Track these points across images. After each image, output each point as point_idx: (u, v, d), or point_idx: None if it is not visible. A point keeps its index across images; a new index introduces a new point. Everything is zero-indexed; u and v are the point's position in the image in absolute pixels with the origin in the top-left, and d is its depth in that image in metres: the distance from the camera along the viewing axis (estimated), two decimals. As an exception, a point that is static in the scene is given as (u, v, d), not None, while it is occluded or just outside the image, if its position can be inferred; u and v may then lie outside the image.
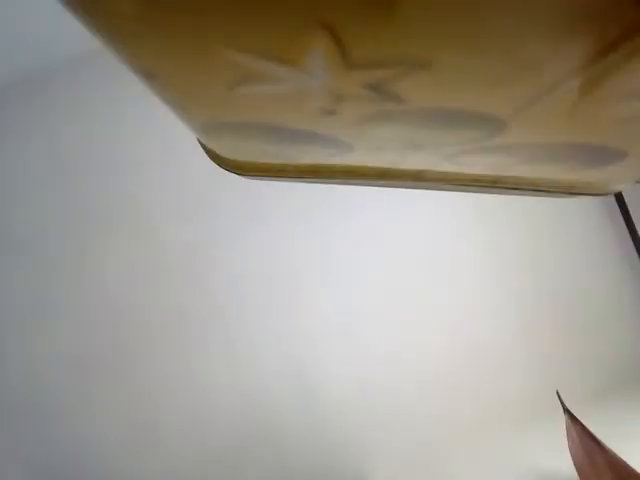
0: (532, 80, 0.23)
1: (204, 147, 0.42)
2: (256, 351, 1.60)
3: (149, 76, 0.26)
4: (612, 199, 1.59)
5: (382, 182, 0.42)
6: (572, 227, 1.62)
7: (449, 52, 0.21)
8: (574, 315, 1.58)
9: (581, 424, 0.83)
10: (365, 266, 1.62)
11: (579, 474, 0.81)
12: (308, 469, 1.54)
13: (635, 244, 1.57)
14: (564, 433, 0.89)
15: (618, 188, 0.50)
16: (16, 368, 1.63)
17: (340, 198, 1.59)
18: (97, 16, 0.21)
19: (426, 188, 0.45)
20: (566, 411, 0.88)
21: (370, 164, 0.40)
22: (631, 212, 1.57)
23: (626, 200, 1.57)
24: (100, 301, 1.63)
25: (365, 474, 1.52)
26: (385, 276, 1.62)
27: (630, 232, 1.58)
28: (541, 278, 1.60)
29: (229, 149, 0.41)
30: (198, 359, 1.61)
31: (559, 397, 0.92)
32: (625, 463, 0.72)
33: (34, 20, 1.44)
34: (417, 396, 1.55)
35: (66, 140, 1.68)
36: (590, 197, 0.48)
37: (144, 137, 1.64)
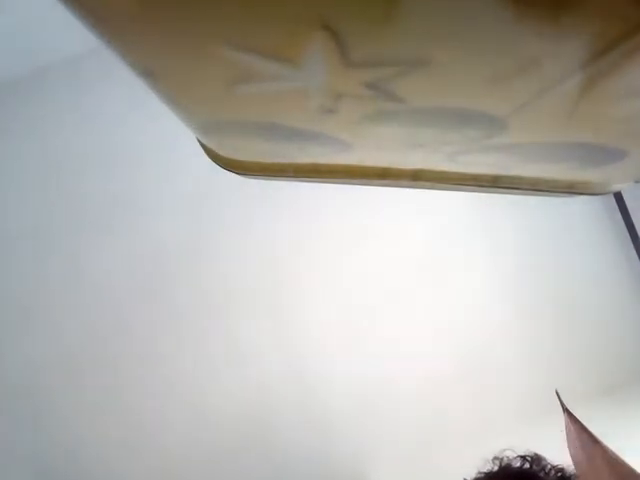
0: (532, 79, 0.23)
1: (203, 146, 0.42)
2: (256, 351, 1.60)
3: (148, 74, 0.26)
4: (612, 199, 1.59)
5: (382, 182, 0.42)
6: (572, 227, 1.62)
7: (448, 51, 0.21)
8: (574, 315, 1.58)
9: (580, 423, 0.83)
10: (366, 266, 1.62)
11: (578, 473, 0.81)
12: (309, 469, 1.54)
13: (635, 244, 1.57)
14: (563, 432, 0.89)
15: (618, 188, 0.50)
16: (16, 368, 1.63)
17: (341, 198, 1.59)
18: (96, 14, 0.21)
19: (426, 187, 0.45)
20: (565, 410, 0.88)
21: (370, 163, 0.40)
22: (631, 212, 1.57)
23: (626, 200, 1.57)
24: (99, 300, 1.63)
25: (365, 474, 1.52)
26: (385, 276, 1.62)
27: (630, 232, 1.58)
28: (541, 278, 1.60)
29: (228, 148, 0.41)
30: (197, 359, 1.61)
31: (558, 396, 0.92)
32: (624, 462, 0.72)
33: (34, 19, 1.44)
34: (417, 396, 1.56)
35: (64, 138, 1.68)
36: (590, 197, 0.48)
37: (142, 136, 1.64)
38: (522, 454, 0.67)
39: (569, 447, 0.86)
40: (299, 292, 1.62)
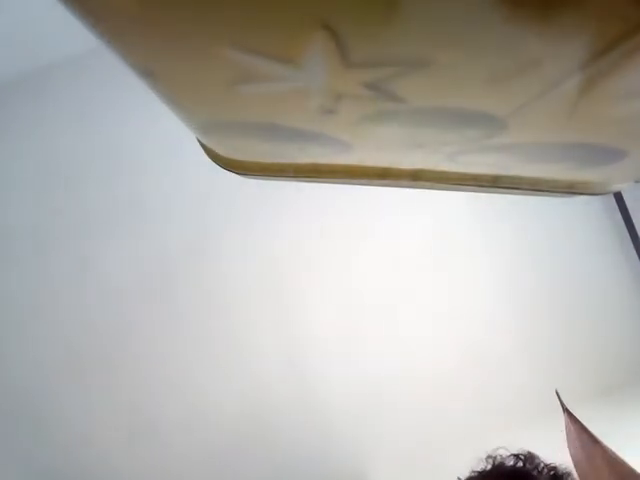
0: (531, 79, 0.23)
1: (203, 146, 0.42)
2: (256, 352, 1.60)
3: (148, 74, 0.26)
4: (612, 199, 1.59)
5: (382, 181, 0.42)
6: (572, 227, 1.62)
7: (448, 51, 0.21)
8: (574, 315, 1.58)
9: (580, 423, 0.83)
10: (365, 267, 1.62)
11: (578, 473, 0.81)
12: (309, 468, 1.54)
13: (635, 244, 1.57)
14: (563, 432, 0.89)
15: (618, 187, 0.50)
16: (16, 369, 1.62)
17: (341, 199, 1.59)
18: (96, 14, 0.21)
19: (426, 187, 0.45)
20: (565, 410, 0.88)
21: (370, 163, 0.40)
22: (631, 212, 1.57)
23: (626, 200, 1.57)
24: (100, 301, 1.63)
25: (365, 474, 1.52)
26: (385, 277, 1.61)
27: (630, 232, 1.58)
28: (541, 278, 1.60)
29: (229, 148, 0.41)
30: (197, 360, 1.61)
31: (558, 396, 0.91)
32: (624, 462, 0.72)
33: (34, 20, 1.44)
34: (416, 396, 1.55)
35: (66, 139, 1.68)
36: (590, 197, 0.48)
37: (143, 137, 1.64)
38: (515, 452, 0.67)
39: (569, 447, 0.86)
40: (300, 292, 1.62)
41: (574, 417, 0.85)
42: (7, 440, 1.62)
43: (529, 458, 0.65)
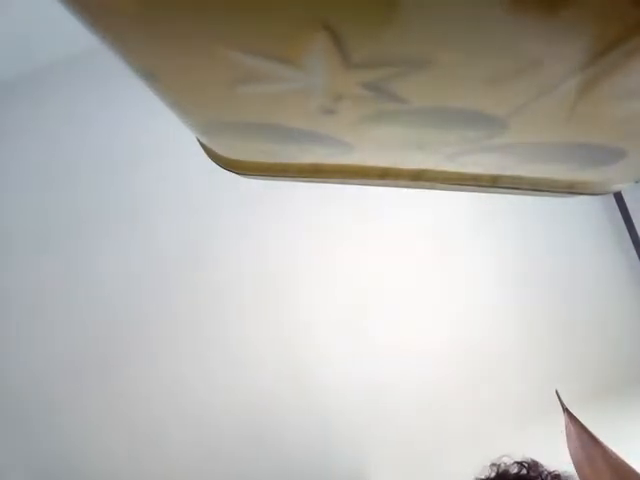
0: (532, 79, 0.23)
1: (204, 146, 0.42)
2: (255, 351, 1.60)
3: (149, 76, 0.26)
4: (612, 199, 1.59)
5: (382, 182, 0.42)
6: (572, 227, 1.62)
7: (449, 52, 0.21)
8: (574, 315, 1.58)
9: (580, 423, 0.83)
10: (365, 266, 1.62)
11: (578, 473, 0.81)
12: (308, 470, 1.54)
13: (635, 244, 1.57)
14: (563, 432, 0.89)
15: (617, 187, 0.50)
16: (16, 370, 1.62)
17: (340, 197, 1.59)
18: (97, 15, 0.21)
19: (426, 187, 0.45)
20: (565, 410, 0.88)
21: (370, 164, 0.40)
22: (631, 212, 1.57)
23: (626, 200, 1.57)
24: (98, 302, 1.63)
25: (364, 474, 1.52)
26: (385, 276, 1.61)
27: (630, 232, 1.58)
28: (541, 278, 1.60)
29: (229, 148, 0.41)
30: (196, 359, 1.61)
31: (558, 396, 0.91)
32: (624, 462, 0.72)
33: (33, 20, 1.44)
34: (417, 396, 1.55)
35: (64, 139, 1.68)
36: (590, 197, 0.48)
37: (143, 136, 1.64)
38: (519, 460, 0.67)
39: (569, 447, 0.86)
40: (299, 294, 1.62)
41: (574, 417, 0.85)
42: (7, 442, 1.62)
43: (533, 466, 0.65)
